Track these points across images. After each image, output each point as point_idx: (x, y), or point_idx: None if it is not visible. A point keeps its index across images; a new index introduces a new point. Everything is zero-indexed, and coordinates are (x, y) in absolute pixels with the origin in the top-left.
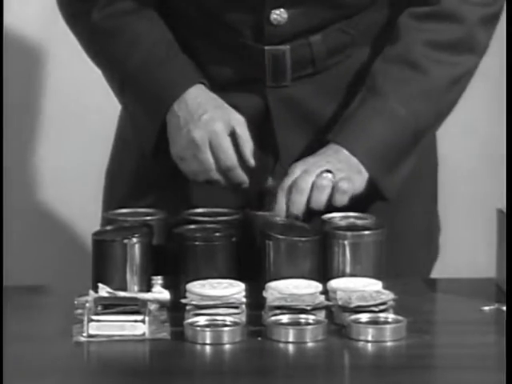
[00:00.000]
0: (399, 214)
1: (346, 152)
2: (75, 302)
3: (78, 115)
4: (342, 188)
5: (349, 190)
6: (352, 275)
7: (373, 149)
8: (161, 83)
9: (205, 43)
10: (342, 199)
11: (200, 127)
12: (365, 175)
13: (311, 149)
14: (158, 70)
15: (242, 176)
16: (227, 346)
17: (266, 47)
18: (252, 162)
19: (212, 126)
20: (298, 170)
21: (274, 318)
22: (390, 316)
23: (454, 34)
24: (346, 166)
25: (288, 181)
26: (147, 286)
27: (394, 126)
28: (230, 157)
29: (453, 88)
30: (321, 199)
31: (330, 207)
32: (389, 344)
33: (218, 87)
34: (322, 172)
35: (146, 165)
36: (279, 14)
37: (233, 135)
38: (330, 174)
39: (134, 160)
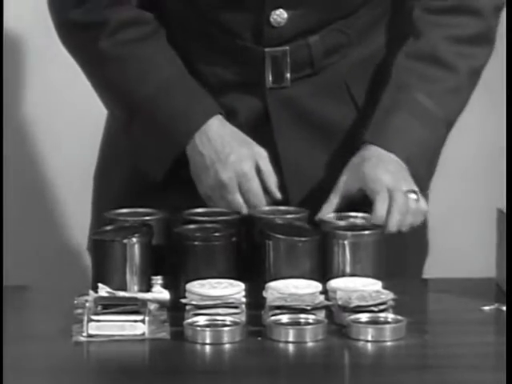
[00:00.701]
0: None
1: (397, 159)
2: (75, 302)
3: (74, 114)
4: (424, 209)
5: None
6: (352, 275)
7: (414, 149)
8: (177, 114)
9: (204, 47)
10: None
11: (228, 169)
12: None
13: (310, 150)
14: (173, 99)
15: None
16: (227, 346)
17: (266, 49)
18: (279, 195)
19: (240, 166)
20: (386, 184)
21: (273, 318)
22: (390, 316)
23: (475, 27)
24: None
25: (384, 193)
26: (147, 286)
27: (431, 126)
28: (259, 198)
29: (474, 79)
30: (413, 222)
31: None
32: (388, 344)
33: (217, 90)
34: (407, 191)
35: (136, 174)
36: (279, 15)
37: (257, 169)
38: (414, 195)
39: (123, 171)
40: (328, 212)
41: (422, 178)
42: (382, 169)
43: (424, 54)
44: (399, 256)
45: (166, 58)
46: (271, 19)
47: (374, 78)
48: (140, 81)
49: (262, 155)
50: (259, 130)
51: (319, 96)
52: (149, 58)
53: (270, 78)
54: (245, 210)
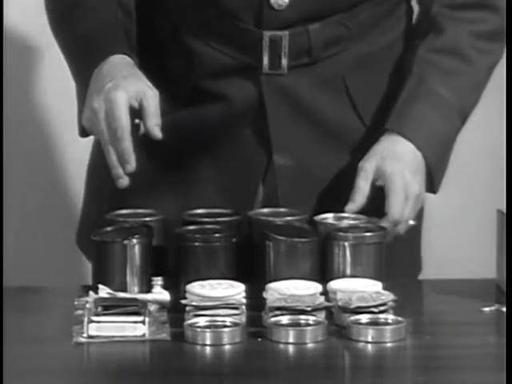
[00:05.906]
0: None
1: (412, 146)
2: (75, 303)
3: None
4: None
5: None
6: (352, 276)
7: (432, 140)
8: (90, 50)
9: (201, 28)
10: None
11: (100, 96)
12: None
13: (303, 139)
14: (92, 37)
15: (129, 153)
16: (227, 347)
17: (265, 32)
18: (158, 134)
19: (112, 94)
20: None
21: (274, 319)
22: (390, 317)
23: (493, 23)
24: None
25: (400, 192)
26: (147, 287)
27: (448, 117)
28: (121, 126)
29: (489, 75)
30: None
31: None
32: (389, 345)
33: (213, 74)
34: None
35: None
36: None
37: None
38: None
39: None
40: (353, 210)
41: (434, 168)
42: (400, 167)
43: (446, 48)
44: (392, 270)
45: (107, 8)
46: (272, 1)
47: (372, 76)
48: (80, 21)
49: (147, 93)
50: (253, 116)
51: (315, 87)
52: (94, 6)
53: (267, 63)
54: (108, 144)
